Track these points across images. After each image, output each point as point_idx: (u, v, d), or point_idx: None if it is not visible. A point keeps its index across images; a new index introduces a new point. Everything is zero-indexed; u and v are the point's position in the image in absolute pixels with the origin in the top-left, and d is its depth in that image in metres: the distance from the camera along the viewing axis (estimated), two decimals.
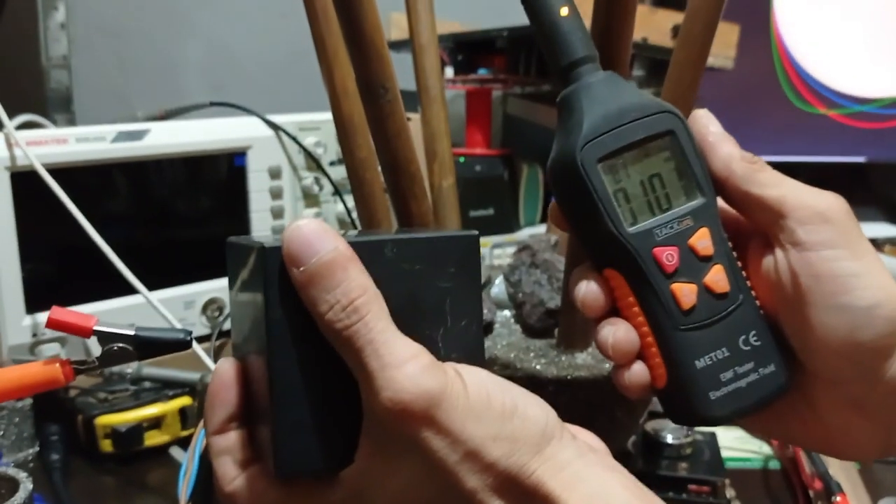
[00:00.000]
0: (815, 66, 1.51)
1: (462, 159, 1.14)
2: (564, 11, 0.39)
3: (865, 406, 0.38)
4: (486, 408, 0.33)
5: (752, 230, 0.40)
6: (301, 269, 0.32)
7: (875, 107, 1.52)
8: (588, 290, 0.39)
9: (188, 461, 0.53)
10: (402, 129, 0.53)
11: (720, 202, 0.40)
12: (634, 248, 0.37)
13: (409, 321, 0.34)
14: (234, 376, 0.37)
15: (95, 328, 0.36)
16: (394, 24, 1.24)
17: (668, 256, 0.38)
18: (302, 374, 0.34)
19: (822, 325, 0.37)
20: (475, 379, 0.34)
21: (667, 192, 0.38)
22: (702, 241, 0.38)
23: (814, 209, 0.37)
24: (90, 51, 1.36)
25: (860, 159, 1.54)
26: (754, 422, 0.42)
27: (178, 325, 0.62)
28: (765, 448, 0.74)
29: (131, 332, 0.36)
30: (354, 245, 0.33)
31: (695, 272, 0.38)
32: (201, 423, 0.56)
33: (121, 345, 0.36)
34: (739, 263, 0.40)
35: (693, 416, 0.39)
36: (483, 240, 1.14)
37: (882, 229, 1.44)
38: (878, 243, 1.34)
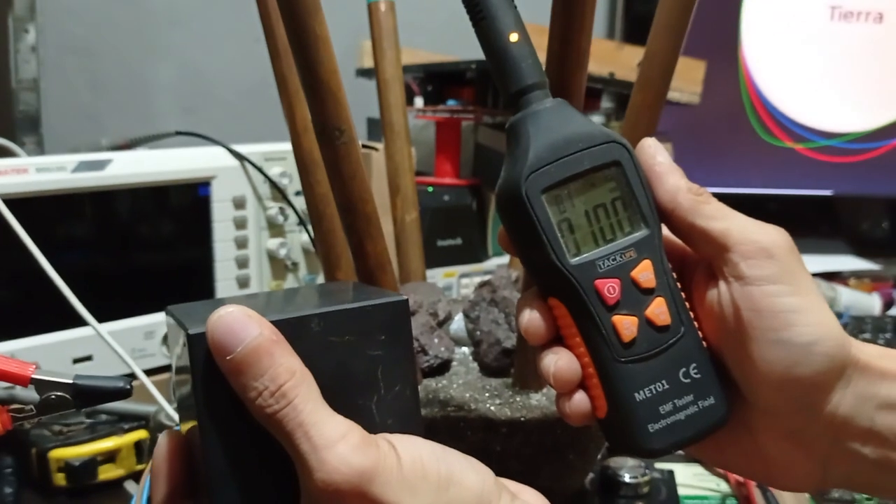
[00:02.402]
0: (782, 100, 1.53)
1: (430, 189, 1.14)
2: (514, 38, 0.39)
3: (803, 439, 0.39)
4: (422, 479, 0.33)
5: (698, 261, 0.40)
6: (227, 357, 0.32)
7: (841, 141, 1.54)
8: (531, 318, 0.39)
9: (137, 497, 0.53)
10: (357, 170, 0.53)
11: (667, 232, 0.40)
12: (576, 279, 0.37)
13: (340, 393, 0.34)
14: (176, 450, 0.37)
15: (33, 376, 0.36)
16: (365, 53, 1.25)
17: (610, 289, 0.38)
18: (237, 452, 0.34)
19: (762, 359, 0.37)
20: (409, 449, 0.34)
21: (611, 223, 0.38)
22: (644, 273, 0.38)
23: (757, 244, 0.37)
24: (60, 73, 1.36)
25: (827, 192, 1.56)
26: (696, 450, 0.42)
27: (129, 359, 0.61)
28: (723, 486, 0.74)
29: (69, 381, 0.36)
30: (279, 324, 0.33)
31: (636, 304, 0.38)
32: (152, 460, 0.56)
33: (59, 393, 0.36)
34: (683, 294, 0.40)
35: (632, 447, 0.39)
36: (450, 269, 1.15)
37: (848, 262, 1.45)
38: (843, 276, 1.35)
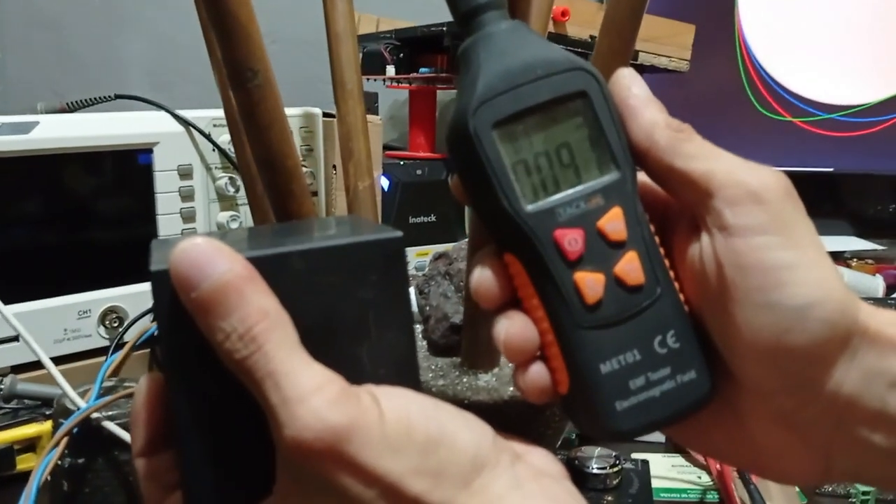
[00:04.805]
0: (779, 72, 1.48)
1: (402, 162, 1.08)
2: None
3: (799, 423, 0.33)
4: (406, 438, 0.29)
5: (681, 210, 0.35)
6: (192, 294, 0.29)
7: (843, 115, 1.49)
8: (482, 276, 0.34)
9: (27, 491, 0.47)
10: (275, 119, 0.47)
11: (645, 177, 0.35)
12: (532, 229, 0.32)
13: (326, 339, 0.32)
14: (157, 394, 0.33)
15: None
16: None
17: (572, 241, 0.32)
18: (207, 401, 0.31)
19: (748, 325, 0.31)
20: (396, 405, 0.30)
21: (576, 165, 0.33)
22: (613, 223, 0.33)
23: (745, 187, 0.31)
24: (25, 46, 1.31)
25: (828, 169, 1.51)
26: (674, 432, 0.36)
27: (34, 343, 0.54)
28: (704, 478, 0.68)
29: None
30: (255, 260, 0.30)
31: (603, 260, 0.33)
32: (48, 447, 0.50)
33: None
34: (663, 250, 0.34)
35: (597, 428, 0.34)
36: (423, 249, 1.09)
37: (850, 242, 1.40)
38: (845, 257, 1.30)
